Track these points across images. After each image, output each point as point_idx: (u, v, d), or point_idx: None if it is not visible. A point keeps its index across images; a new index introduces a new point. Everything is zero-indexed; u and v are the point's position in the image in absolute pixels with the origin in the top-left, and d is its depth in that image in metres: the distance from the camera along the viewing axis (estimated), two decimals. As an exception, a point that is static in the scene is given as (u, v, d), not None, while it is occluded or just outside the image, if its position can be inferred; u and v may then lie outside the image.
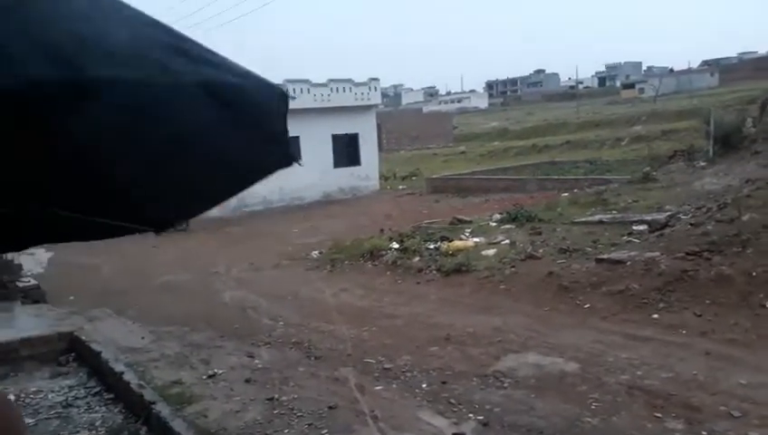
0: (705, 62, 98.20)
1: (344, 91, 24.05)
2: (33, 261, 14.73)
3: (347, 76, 24.70)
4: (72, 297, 10.47)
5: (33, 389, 5.63)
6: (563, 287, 8.06)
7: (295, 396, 5.55)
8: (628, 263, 8.09)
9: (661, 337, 6.29)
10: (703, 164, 15.34)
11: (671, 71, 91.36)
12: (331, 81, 23.82)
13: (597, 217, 11.79)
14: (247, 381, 6.03)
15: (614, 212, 12.20)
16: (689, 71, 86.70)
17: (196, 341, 7.61)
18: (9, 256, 12.01)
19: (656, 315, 6.83)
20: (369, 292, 9.32)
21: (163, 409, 4.57)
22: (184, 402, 5.44)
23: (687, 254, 7.73)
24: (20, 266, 12.08)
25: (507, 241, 11.04)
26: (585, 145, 33.37)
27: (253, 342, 7.35)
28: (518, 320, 7.35)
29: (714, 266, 7.27)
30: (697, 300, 6.86)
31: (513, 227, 12.31)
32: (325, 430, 4.85)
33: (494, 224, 12.98)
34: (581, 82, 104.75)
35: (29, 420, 4.93)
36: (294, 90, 22.68)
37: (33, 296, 10.01)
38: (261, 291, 9.87)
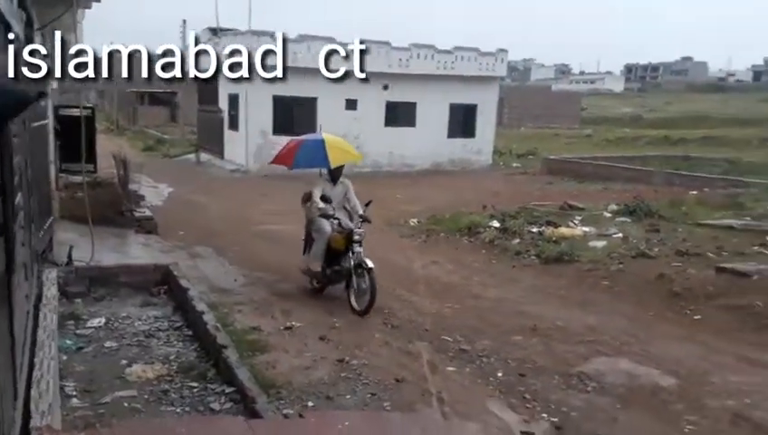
0: None
1: (469, 60, 23.27)
2: (155, 194, 15.81)
3: (475, 45, 23.77)
4: (181, 232, 11.02)
5: (124, 314, 5.95)
6: (674, 293, 7.31)
7: (365, 362, 5.44)
8: (755, 277, 7.17)
9: (783, 366, 5.50)
10: None
11: None
12: (457, 48, 23.10)
13: (727, 222, 10.62)
14: (322, 338, 6.00)
15: (748, 218, 10.92)
16: None
17: (283, 290, 7.75)
18: (134, 186, 12.95)
19: (780, 341, 6.00)
20: (459, 268, 9.00)
21: (232, 354, 4.61)
22: (257, 350, 5.51)
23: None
24: (142, 197, 12.97)
25: (620, 235, 10.25)
26: (726, 143, 30.14)
27: (335, 299, 7.33)
28: (616, 321, 6.74)
29: None
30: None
31: (630, 220, 11.44)
32: (387, 403, 4.70)
33: (609, 215, 12.12)
34: (733, 75, 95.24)
35: (113, 344, 5.21)
36: (419, 55, 22.31)
37: (147, 227, 10.65)
38: (353, 251, 9.83)
